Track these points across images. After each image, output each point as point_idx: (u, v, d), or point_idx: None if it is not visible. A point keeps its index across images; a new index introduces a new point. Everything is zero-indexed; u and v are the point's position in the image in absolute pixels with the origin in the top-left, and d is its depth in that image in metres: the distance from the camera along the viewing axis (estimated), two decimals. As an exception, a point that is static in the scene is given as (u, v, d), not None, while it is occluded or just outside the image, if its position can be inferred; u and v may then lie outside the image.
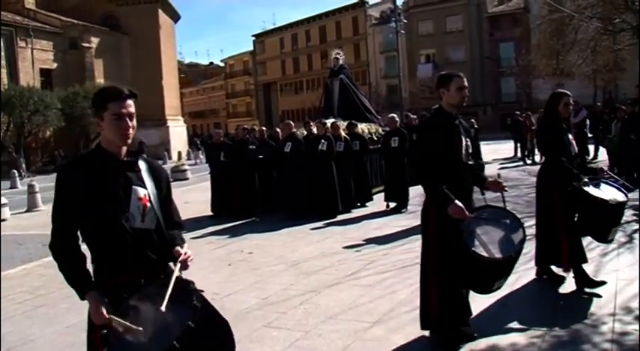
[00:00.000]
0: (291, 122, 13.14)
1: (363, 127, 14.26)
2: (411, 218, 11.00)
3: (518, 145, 22.43)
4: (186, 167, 26.29)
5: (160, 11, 55.61)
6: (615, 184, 5.86)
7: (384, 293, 6.26)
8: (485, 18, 56.96)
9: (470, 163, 4.62)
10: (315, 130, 12.45)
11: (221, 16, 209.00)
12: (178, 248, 2.88)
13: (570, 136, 6.04)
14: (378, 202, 12.91)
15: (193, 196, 16.89)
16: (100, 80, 47.38)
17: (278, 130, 14.28)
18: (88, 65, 48.00)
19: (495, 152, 24.17)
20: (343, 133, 12.63)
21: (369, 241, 9.18)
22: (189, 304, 2.53)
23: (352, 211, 12.41)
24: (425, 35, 59.33)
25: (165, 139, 53.10)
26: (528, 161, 21.08)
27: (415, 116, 18.04)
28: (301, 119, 51.95)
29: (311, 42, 74.24)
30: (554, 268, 6.20)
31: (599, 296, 5.61)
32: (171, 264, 2.86)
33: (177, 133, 55.90)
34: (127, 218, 2.76)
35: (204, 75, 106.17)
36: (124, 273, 2.78)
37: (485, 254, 4.08)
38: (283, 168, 12.40)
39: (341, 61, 16.41)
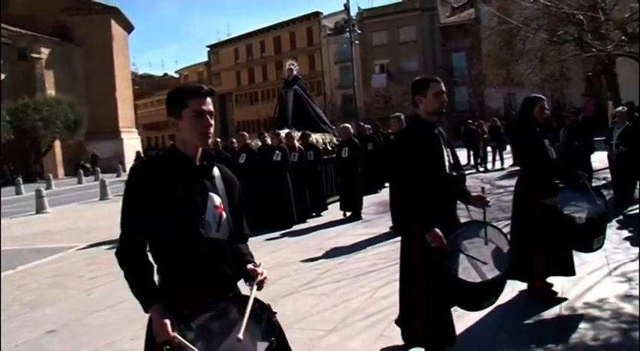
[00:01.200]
0: (245, 133, 13.21)
1: (317, 138, 14.40)
2: (365, 227, 11.17)
3: (472, 153, 22.84)
4: (141, 180, 26.03)
5: (112, 22, 55.11)
6: (593, 193, 5.68)
7: (339, 302, 6.37)
8: (438, 29, 57.93)
9: (452, 174, 4.30)
10: (269, 140, 12.53)
11: (175, 27, 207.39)
12: (253, 266, 2.69)
13: (547, 141, 5.83)
14: (334, 211, 13.04)
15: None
16: (51, 92, 46.68)
17: (234, 141, 14.33)
18: (38, 76, 47.16)
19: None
20: (297, 144, 12.74)
21: (325, 250, 9.27)
22: (268, 337, 2.35)
23: (307, 221, 12.51)
24: (379, 45, 59.98)
25: (119, 151, 52.49)
26: (481, 169, 21.55)
27: (369, 126, 18.29)
28: (257, 130, 51.82)
29: (266, 52, 74.27)
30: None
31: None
32: (246, 284, 2.65)
33: (132, 146, 55.26)
34: (204, 226, 2.58)
35: (158, 86, 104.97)
36: (195, 287, 2.56)
37: (469, 279, 3.80)
38: (238, 179, 12.43)
39: (295, 72, 16.52)
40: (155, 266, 2.62)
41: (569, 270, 5.90)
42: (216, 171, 2.76)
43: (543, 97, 6.01)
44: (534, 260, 5.74)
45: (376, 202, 14.32)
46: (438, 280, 4.03)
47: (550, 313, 5.46)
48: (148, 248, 2.61)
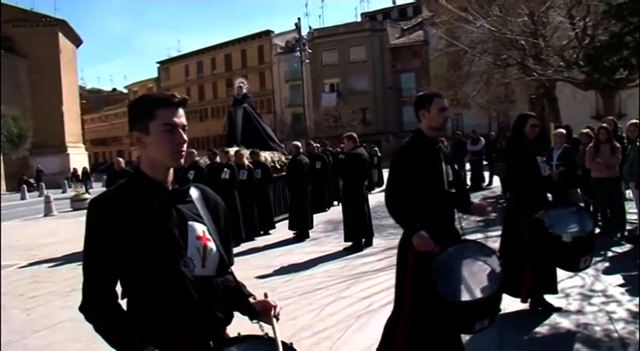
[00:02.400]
0: (194, 150, 13.06)
1: (266, 156, 14.41)
2: (313, 245, 11.19)
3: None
4: (87, 196, 25.51)
5: (60, 34, 54.20)
6: (584, 213, 5.76)
7: (286, 319, 6.32)
8: (387, 49, 58.71)
9: (452, 191, 4.14)
10: (218, 158, 12.47)
11: (125, 42, 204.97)
12: (266, 299, 2.36)
13: (539, 158, 5.93)
14: (282, 230, 13.02)
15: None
16: (-7, 106, 45.43)
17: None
18: (-20, 88, 45.68)
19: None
20: (246, 162, 12.72)
21: (272, 268, 9.25)
22: None
23: (256, 238, 12.47)
24: (329, 65, 60.47)
25: (65, 166, 51.40)
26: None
27: (318, 144, 18.40)
28: (206, 147, 51.48)
29: (216, 70, 74.07)
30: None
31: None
32: (252, 322, 2.34)
33: (78, 161, 54.21)
34: (186, 263, 2.14)
35: (106, 101, 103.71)
36: (184, 335, 2.15)
37: (460, 298, 3.62)
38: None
39: (245, 90, 16.53)
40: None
41: (552, 288, 6.00)
42: (194, 192, 2.29)
43: (533, 114, 6.09)
44: (523, 275, 5.79)
45: (325, 220, 14.39)
46: (426, 303, 3.84)
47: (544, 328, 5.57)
48: (119, 296, 2.18)
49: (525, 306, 6.09)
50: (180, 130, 2.15)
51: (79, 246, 11.07)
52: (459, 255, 3.83)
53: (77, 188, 34.34)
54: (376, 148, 24.45)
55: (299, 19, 42.89)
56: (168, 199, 2.18)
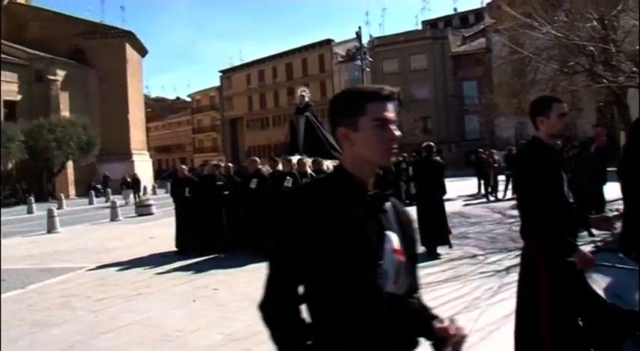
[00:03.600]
0: (257, 158, 13.22)
1: (328, 164, 14.38)
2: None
3: (482, 182, 22.74)
4: (152, 202, 26.09)
5: (127, 45, 55.80)
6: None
7: None
8: (449, 57, 58.23)
9: (570, 200, 3.84)
10: (280, 166, 12.54)
11: (188, 51, 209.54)
12: (450, 325, 2.05)
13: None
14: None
15: (158, 231, 16.78)
16: (66, 113, 47.22)
17: (246, 165, 14.33)
18: (53, 98, 47.62)
19: (460, 189, 24.50)
20: (309, 170, 12.73)
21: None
22: None
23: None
24: (390, 73, 60.18)
25: (130, 173, 52.64)
26: (491, 198, 21.42)
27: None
28: (267, 155, 51.86)
29: (277, 78, 74.83)
30: None
31: None
32: None
33: (143, 168, 55.55)
34: (381, 274, 1.92)
35: (170, 109, 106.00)
36: None
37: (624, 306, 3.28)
38: (249, 204, 12.43)
39: (307, 99, 16.59)
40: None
41: None
42: (387, 204, 2.07)
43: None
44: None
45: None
46: (568, 316, 3.60)
47: None
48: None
49: None
50: (393, 126, 1.98)
51: (143, 251, 11.31)
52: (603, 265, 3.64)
53: (126, 197, 35.36)
54: (438, 157, 24.13)
55: (359, 27, 42.79)
56: (370, 203, 1.99)
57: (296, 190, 2.12)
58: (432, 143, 11.60)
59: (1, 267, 10.91)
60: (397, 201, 2.14)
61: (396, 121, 1.99)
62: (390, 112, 1.97)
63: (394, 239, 1.97)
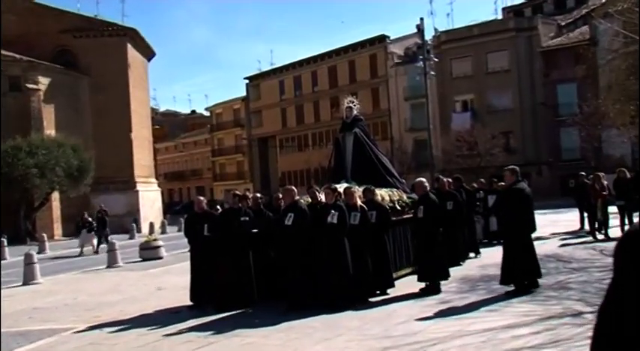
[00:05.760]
0: (294, 188, 13.21)
1: (382, 194, 14.34)
2: (444, 310, 10.94)
3: (585, 214, 22.24)
4: (160, 243, 26.28)
5: (129, 46, 56.22)
6: None
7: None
8: (539, 54, 57.44)
9: None
10: (323, 197, 12.51)
11: (206, 54, 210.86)
12: None
13: None
14: (402, 288, 12.90)
15: (169, 281, 16.88)
16: (51, 131, 47.38)
17: (279, 196, 14.33)
18: (35, 112, 47.80)
19: (554, 224, 24.09)
20: (359, 202, 12.68)
21: (393, 340, 9.10)
22: None
23: (370, 299, 12.37)
24: (461, 77, 60.07)
25: (134, 206, 53.21)
26: (599, 236, 20.78)
27: (449, 179, 18.13)
28: (306, 183, 52.05)
29: (318, 86, 75.24)
30: None
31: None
32: None
33: (150, 200, 56.12)
34: None
35: (184, 126, 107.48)
36: None
37: None
38: (284, 245, 12.39)
39: (355, 111, 16.57)
40: None
41: None
42: None
43: None
44: None
45: (459, 276, 14.09)
46: None
47: None
48: None
49: None
50: None
51: (149, 305, 11.41)
52: None
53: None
54: (524, 184, 23.81)
55: (421, 19, 42.48)
56: None
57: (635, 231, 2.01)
58: (515, 167, 11.69)
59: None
60: None
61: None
62: None
63: None
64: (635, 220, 20.16)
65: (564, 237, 21.68)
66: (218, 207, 14.95)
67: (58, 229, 48.18)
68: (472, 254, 17.44)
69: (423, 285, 12.71)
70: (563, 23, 59.68)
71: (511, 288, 11.70)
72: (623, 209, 20.38)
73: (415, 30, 43.98)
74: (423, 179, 13.70)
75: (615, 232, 20.17)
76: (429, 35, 50.44)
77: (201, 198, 15.00)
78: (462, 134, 53.34)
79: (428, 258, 12.60)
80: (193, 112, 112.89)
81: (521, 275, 11.65)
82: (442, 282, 12.81)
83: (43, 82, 49.35)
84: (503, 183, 14.95)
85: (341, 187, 13.07)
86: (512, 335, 8.89)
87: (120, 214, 49.70)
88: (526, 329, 9.07)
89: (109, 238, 30.75)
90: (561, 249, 18.21)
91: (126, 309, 13.31)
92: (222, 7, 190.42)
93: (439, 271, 12.65)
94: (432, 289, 12.42)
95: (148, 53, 62.26)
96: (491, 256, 15.83)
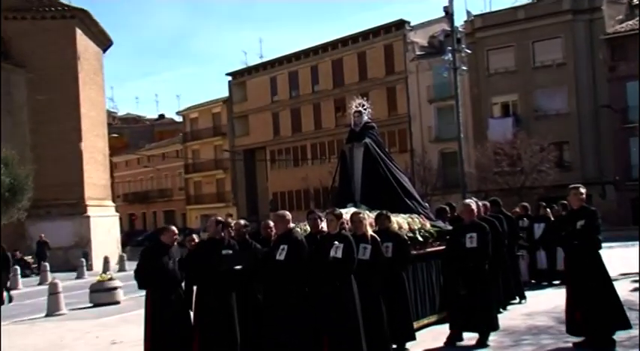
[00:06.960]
0: (288, 213, 13.18)
1: (400, 221, 14.34)
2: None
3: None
4: (117, 283, 26.10)
5: (78, 32, 55.30)
6: None
7: None
8: (602, 42, 57.13)
9: None
10: (324, 225, 12.50)
11: (178, 44, 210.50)
12: None
13: None
14: (427, 340, 12.91)
15: (128, 333, 16.88)
16: (-26, 141, 47.00)
17: (271, 224, 14.25)
18: (-48, 115, 47.16)
19: (624, 262, 23.90)
20: (370, 231, 12.69)
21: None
22: None
23: (384, 355, 12.37)
24: (501, 72, 60.16)
25: (83, 236, 52.78)
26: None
27: (486, 203, 18.10)
28: (304, 208, 52.09)
29: (320, 85, 75.31)
30: None
31: None
32: None
33: (105, 228, 55.82)
34: None
35: (149, 135, 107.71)
36: None
37: None
38: (274, 286, 12.37)
39: (366, 117, 16.64)
40: None
41: None
42: None
43: None
44: None
45: (499, 327, 13.93)
46: None
47: None
48: None
49: None
50: None
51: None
52: None
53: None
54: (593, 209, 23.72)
55: (450, 0, 42.30)
56: None
57: None
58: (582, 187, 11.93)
59: None
60: None
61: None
62: None
63: None
64: None
65: (637, 279, 21.54)
66: (194, 236, 14.75)
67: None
68: (516, 299, 17.36)
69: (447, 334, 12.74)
70: (635, 1, 59.31)
71: (579, 339, 11.69)
72: None
73: (442, 13, 44.09)
74: (471, 201, 13.81)
75: None
76: (459, 20, 50.50)
77: (173, 228, 14.25)
78: (502, 145, 53.15)
79: (474, 302, 12.57)
80: (161, 116, 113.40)
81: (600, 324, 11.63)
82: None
83: (-35, 77, 48.76)
84: (556, 207, 15.03)
85: (347, 213, 13.09)
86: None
87: (65, 246, 49.54)
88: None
89: (53, 278, 30.42)
90: (633, 295, 18.08)
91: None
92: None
93: (490, 319, 12.65)
94: (479, 344, 12.42)
95: (104, 42, 61.93)
96: (540, 302, 15.81)
